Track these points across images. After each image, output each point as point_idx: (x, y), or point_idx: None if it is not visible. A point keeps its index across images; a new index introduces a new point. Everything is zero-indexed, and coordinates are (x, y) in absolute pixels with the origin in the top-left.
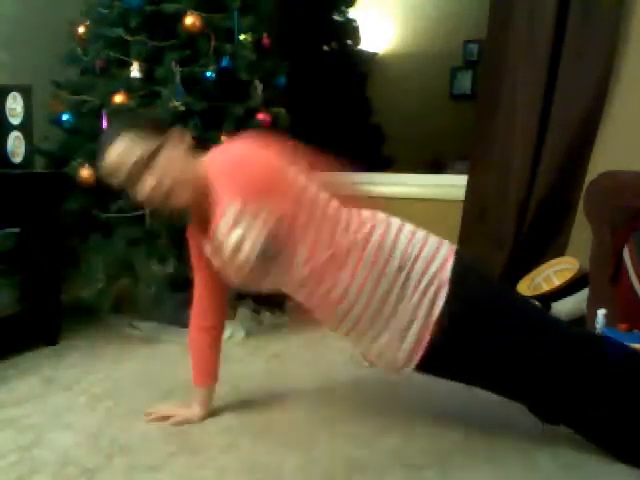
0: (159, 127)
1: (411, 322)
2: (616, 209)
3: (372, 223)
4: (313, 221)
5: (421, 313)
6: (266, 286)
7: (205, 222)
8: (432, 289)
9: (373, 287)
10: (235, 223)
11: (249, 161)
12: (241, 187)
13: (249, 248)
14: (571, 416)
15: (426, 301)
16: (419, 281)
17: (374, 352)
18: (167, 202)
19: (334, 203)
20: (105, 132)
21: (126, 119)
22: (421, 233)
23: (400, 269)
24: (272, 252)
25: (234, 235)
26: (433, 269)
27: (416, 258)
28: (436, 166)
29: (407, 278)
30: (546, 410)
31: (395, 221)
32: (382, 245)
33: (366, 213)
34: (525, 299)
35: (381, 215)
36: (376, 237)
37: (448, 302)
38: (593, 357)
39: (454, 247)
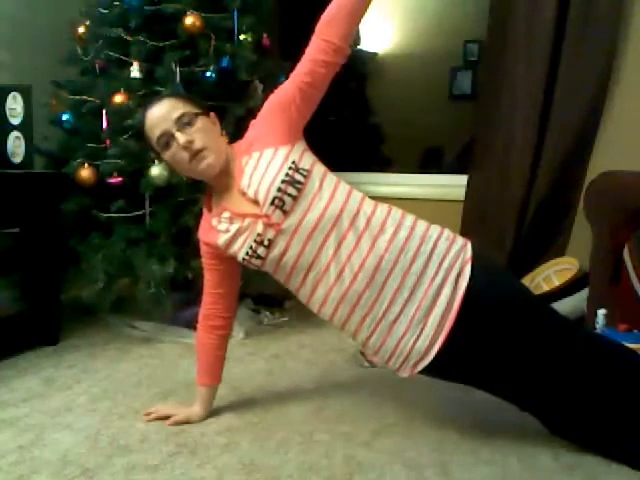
0: (200, 103)
1: (433, 305)
2: (616, 209)
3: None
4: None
5: (445, 293)
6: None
7: (227, 189)
8: (457, 266)
9: (394, 261)
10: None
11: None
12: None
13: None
14: (574, 424)
15: (451, 279)
16: (443, 259)
17: (389, 345)
18: (196, 165)
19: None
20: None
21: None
22: (435, 225)
23: (421, 245)
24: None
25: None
26: (456, 247)
27: (438, 237)
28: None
29: (430, 256)
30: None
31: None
32: (402, 223)
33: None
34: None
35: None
36: (396, 216)
37: (472, 280)
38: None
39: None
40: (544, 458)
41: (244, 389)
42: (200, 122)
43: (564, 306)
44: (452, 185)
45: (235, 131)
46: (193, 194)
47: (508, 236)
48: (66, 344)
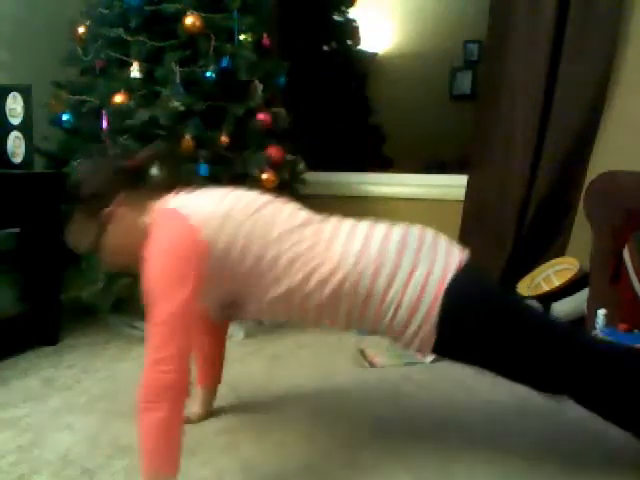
0: (101, 197)
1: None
2: (616, 209)
3: (344, 262)
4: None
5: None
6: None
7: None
8: (417, 340)
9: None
10: None
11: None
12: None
13: None
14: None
15: (417, 341)
16: (405, 328)
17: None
18: (129, 266)
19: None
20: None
21: (71, 195)
22: (406, 262)
23: (378, 320)
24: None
25: None
26: (417, 321)
27: (397, 308)
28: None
29: (390, 326)
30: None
31: (372, 250)
32: (356, 293)
33: (337, 246)
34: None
35: (355, 245)
36: (347, 287)
37: (437, 346)
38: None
39: (449, 266)
40: (544, 458)
41: (244, 389)
42: (108, 238)
43: (564, 306)
44: (452, 185)
45: (235, 131)
46: None
47: (508, 236)
48: (66, 344)
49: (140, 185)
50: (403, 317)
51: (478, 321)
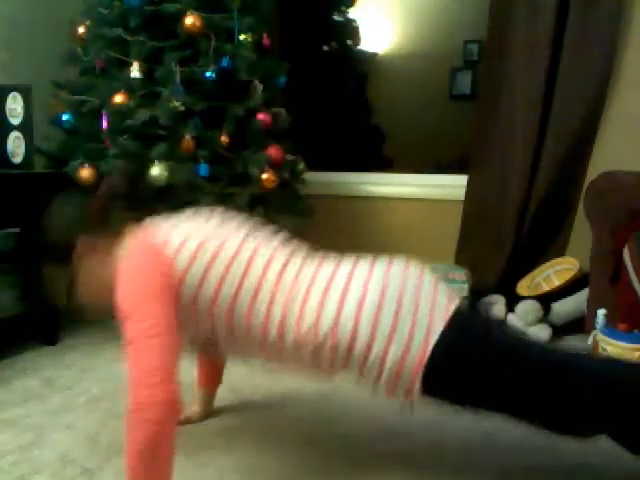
0: (66, 245)
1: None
2: (616, 209)
3: (319, 328)
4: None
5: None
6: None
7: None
8: (401, 392)
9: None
10: None
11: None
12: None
13: None
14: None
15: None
16: (392, 386)
17: None
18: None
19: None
20: None
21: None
22: (382, 332)
23: (362, 376)
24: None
25: None
26: (402, 387)
27: (381, 368)
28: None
29: (376, 382)
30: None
31: (347, 316)
32: (335, 355)
33: (311, 309)
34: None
35: (330, 308)
36: (325, 351)
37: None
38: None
39: (434, 323)
40: (544, 458)
41: (244, 389)
42: (76, 289)
43: (564, 306)
44: (452, 185)
45: (235, 131)
46: (193, 194)
47: (508, 236)
48: (66, 344)
49: (106, 225)
50: (385, 383)
51: (468, 377)
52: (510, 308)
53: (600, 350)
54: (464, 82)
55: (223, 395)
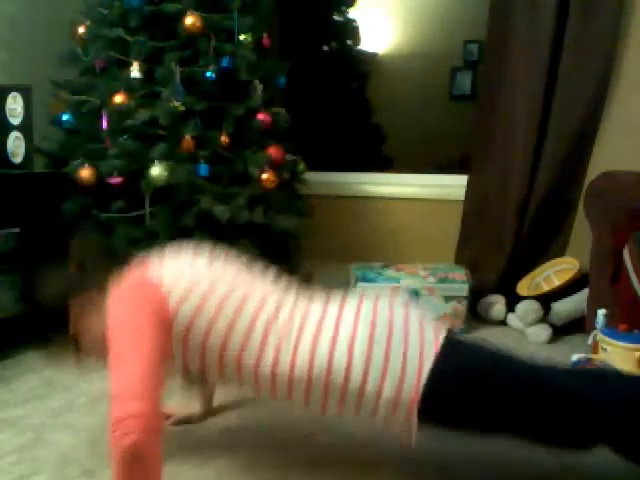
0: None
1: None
2: (616, 209)
3: (311, 372)
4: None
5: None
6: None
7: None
8: (400, 423)
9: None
10: None
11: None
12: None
13: None
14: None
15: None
16: (389, 418)
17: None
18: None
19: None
20: None
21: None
22: (377, 356)
23: (357, 412)
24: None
25: None
26: (401, 414)
27: (377, 402)
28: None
29: (372, 416)
30: None
31: (342, 342)
32: (327, 393)
33: (304, 352)
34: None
35: (322, 350)
36: (318, 390)
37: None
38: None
39: (426, 354)
40: (544, 458)
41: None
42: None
43: (564, 306)
44: (452, 185)
45: (235, 131)
46: (193, 194)
47: (508, 236)
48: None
49: (90, 283)
50: (383, 415)
51: (462, 405)
52: (510, 308)
53: (600, 350)
54: (464, 82)
55: (223, 395)
